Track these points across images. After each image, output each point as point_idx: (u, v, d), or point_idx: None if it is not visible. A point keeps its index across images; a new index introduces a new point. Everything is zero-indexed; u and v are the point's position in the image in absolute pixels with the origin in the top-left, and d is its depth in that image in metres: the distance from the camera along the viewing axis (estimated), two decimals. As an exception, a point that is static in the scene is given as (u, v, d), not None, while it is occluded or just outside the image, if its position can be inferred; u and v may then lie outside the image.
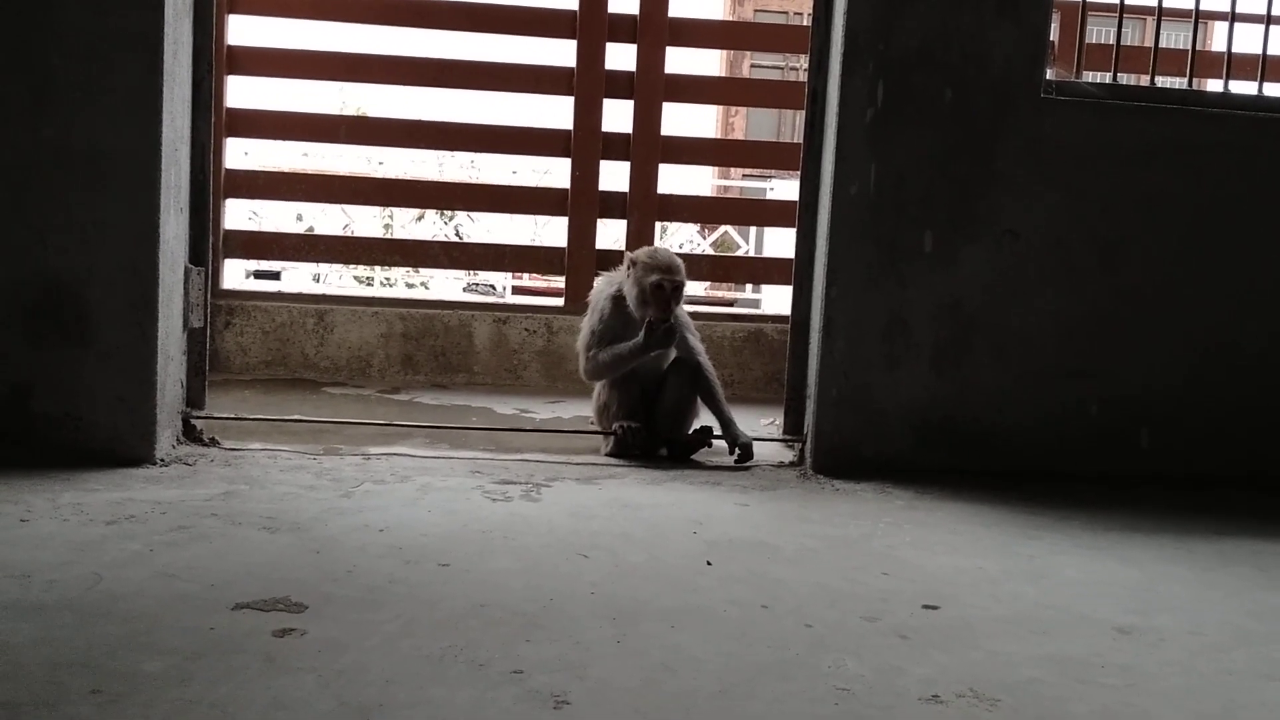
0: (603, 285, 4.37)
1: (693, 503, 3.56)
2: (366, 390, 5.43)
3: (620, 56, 5.97)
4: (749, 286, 14.61)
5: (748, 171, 19.28)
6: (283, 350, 5.73)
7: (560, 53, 6.04)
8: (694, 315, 4.60)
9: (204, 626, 2.29)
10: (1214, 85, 4.48)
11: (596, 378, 4.26)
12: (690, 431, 4.25)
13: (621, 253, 4.83)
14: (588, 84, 5.91)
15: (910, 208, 4.00)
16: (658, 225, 6.38)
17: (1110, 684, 2.26)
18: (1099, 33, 4.92)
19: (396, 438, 4.25)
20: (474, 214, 15.98)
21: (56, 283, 3.59)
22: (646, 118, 5.98)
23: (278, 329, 5.72)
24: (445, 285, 14.97)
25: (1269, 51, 4.29)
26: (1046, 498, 3.81)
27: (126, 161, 3.57)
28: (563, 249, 6.07)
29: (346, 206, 13.56)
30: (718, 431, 4.22)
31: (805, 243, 4.22)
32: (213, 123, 4.02)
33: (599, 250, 5.97)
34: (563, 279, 6.09)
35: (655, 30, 5.95)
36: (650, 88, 5.96)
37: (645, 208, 6.00)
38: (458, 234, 18.01)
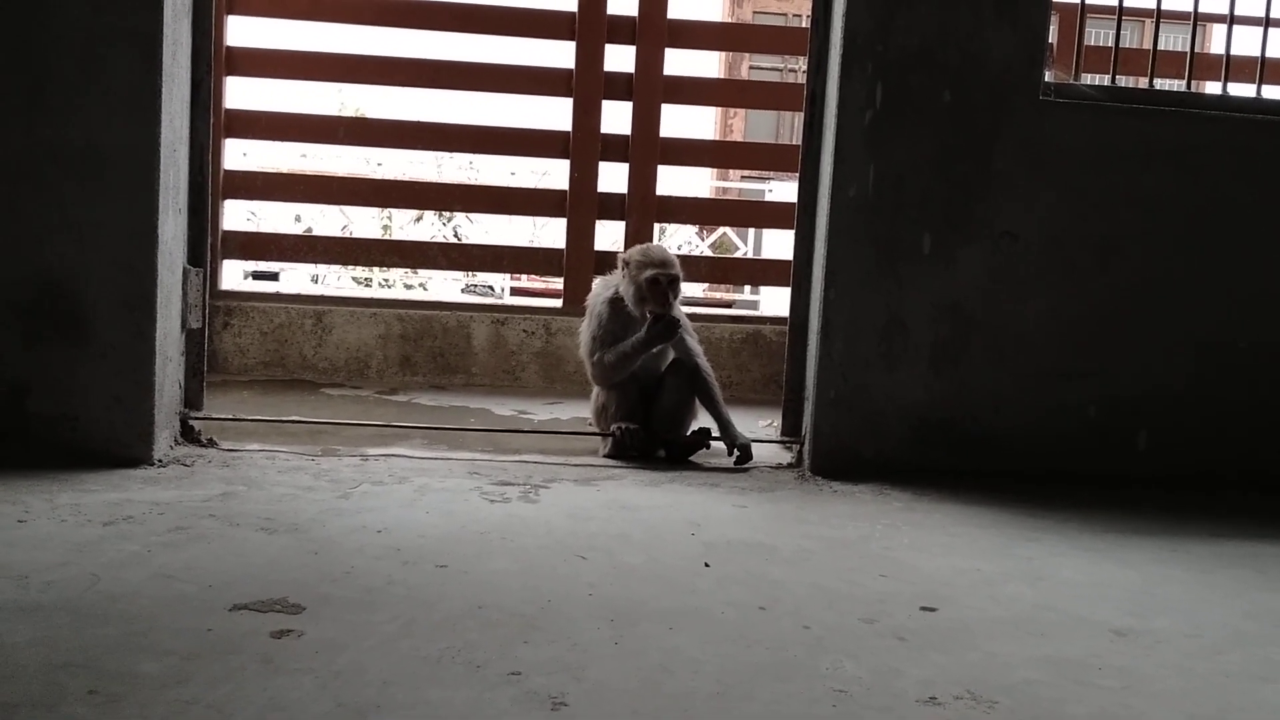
0: (600, 289, 4.37)
1: (691, 504, 3.56)
2: (364, 391, 5.43)
3: (619, 58, 5.97)
4: (747, 288, 14.64)
5: (746, 173, 19.30)
6: (281, 351, 5.73)
7: (559, 54, 6.05)
8: (692, 317, 4.61)
9: (201, 627, 2.28)
10: (1212, 87, 4.48)
11: (606, 381, 4.25)
12: (688, 433, 4.25)
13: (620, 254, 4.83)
14: (587, 85, 5.91)
15: (909, 209, 4.01)
16: (656, 227, 6.38)
17: (1107, 686, 2.26)
18: (1098, 35, 4.92)
19: (394, 439, 4.25)
20: (472, 215, 15.98)
21: (54, 282, 3.59)
22: (645, 119, 5.98)
23: (276, 330, 5.72)
24: (444, 286, 14.98)
25: (1267, 54, 4.29)
26: (1044, 499, 3.81)
27: (125, 161, 3.57)
28: (561, 250, 6.08)
29: (345, 207, 13.58)
30: (716, 433, 4.23)
31: (804, 244, 4.22)
32: (211, 123, 4.02)
33: (597, 251, 5.98)
34: (561, 280, 6.09)
35: (654, 32, 5.95)
36: (649, 89, 5.97)
37: (644, 209, 6.01)
38: (456, 235, 18.02)
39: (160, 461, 3.66)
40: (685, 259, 6.45)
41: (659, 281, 4.11)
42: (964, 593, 2.81)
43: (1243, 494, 4.06)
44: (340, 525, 3.07)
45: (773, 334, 5.86)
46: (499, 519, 3.24)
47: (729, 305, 12.67)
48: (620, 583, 2.72)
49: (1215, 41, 5.73)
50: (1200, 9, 4.25)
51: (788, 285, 4.36)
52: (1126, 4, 4.19)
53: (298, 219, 16.15)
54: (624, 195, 6.01)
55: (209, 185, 4.02)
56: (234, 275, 10.62)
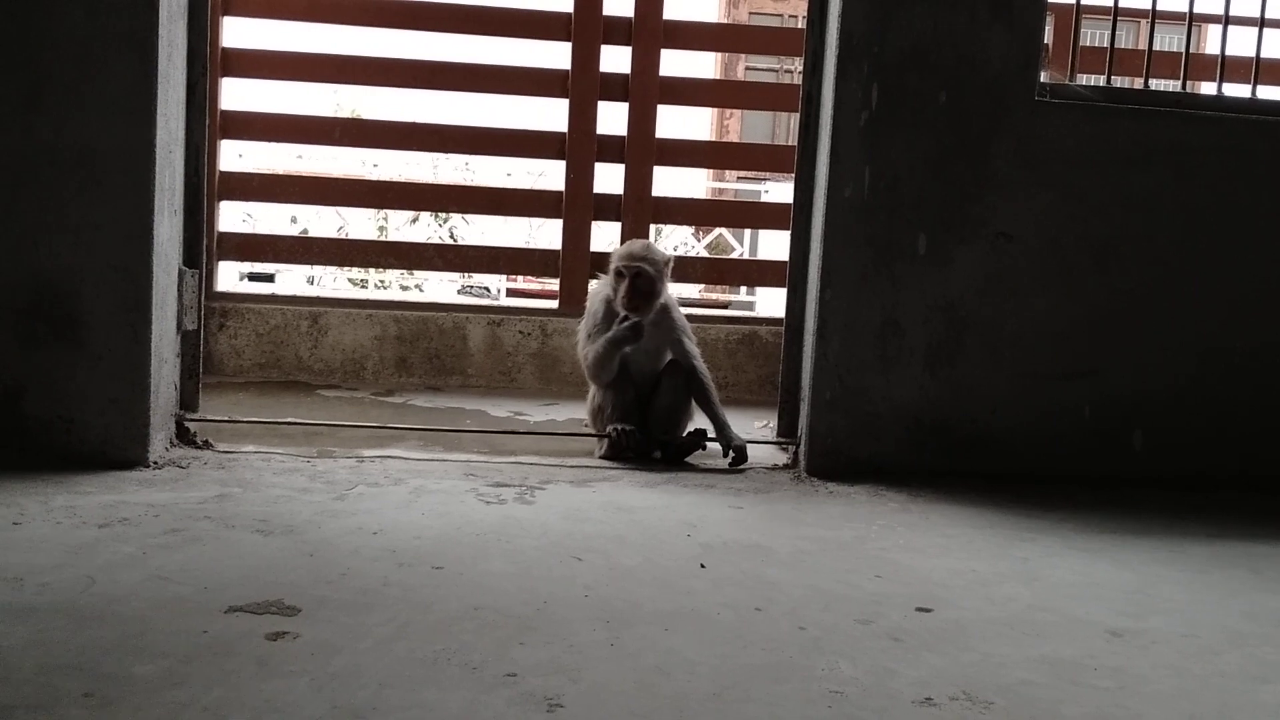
0: (597, 289, 4.38)
1: (687, 505, 3.56)
2: (360, 393, 5.42)
3: (615, 59, 5.97)
4: (743, 289, 14.63)
5: (742, 174, 19.29)
6: (277, 353, 5.72)
7: (555, 55, 6.04)
8: (689, 317, 4.60)
9: (197, 630, 2.28)
10: (1208, 88, 4.49)
11: (594, 378, 4.25)
12: (684, 434, 4.25)
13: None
14: (582, 86, 5.91)
15: (904, 210, 4.01)
16: (652, 227, 6.38)
17: (1103, 686, 2.27)
18: (1093, 35, 4.92)
19: (390, 440, 4.25)
20: (468, 216, 15.97)
21: (49, 284, 3.58)
22: (641, 120, 5.98)
23: (272, 331, 5.71)
24: (439, 288, 14.95)
25: (1262, 54, 4.29)
26: (1040, 500, 3.82)
27: (120, 163, 3.57)
28: (557, 251, 6.07)
29: (341, 209, 13.54)
30: (712, 434, 4.22)
31: (799, 245, 4.23)
32: (207, 125, 4.02)
33: (594, 253, 5.96)
34: (557, 281, 6.09)
35: (650, 33, 5.94)
36: (645, 90, 5.96)
37: (640, 210, 6.00)
38: (452, 236, 17.99)
39: (156, 463, 3.65)
40: (681, 260, 6.44)
41: (621, 274, 4.15)
42: (960, 593, 2.81)
43: (1239, 495, 4.07)
44: (336, 527, 3.06)
45: (769, 335, 5.86)
46: (495, 520, 3.24)
47: (725, 306, 12.66)
48: (616, 584, 2.72)
49: (1210, 42, 5.73)
50: (1195, 9, 4.25)
51: (784, 286, 4.36)
52: (1122, 4, 4.19)
53: (293, 220, 16.12)
54: (620, 196, 6.00)
55: (204, 187, 4.02)
56: (229, 277, 10.59)
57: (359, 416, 4.72)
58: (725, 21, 23.01)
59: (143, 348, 3.62)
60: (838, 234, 4.00)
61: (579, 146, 5.92)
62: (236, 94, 5.90)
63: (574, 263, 5.96)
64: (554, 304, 6.18)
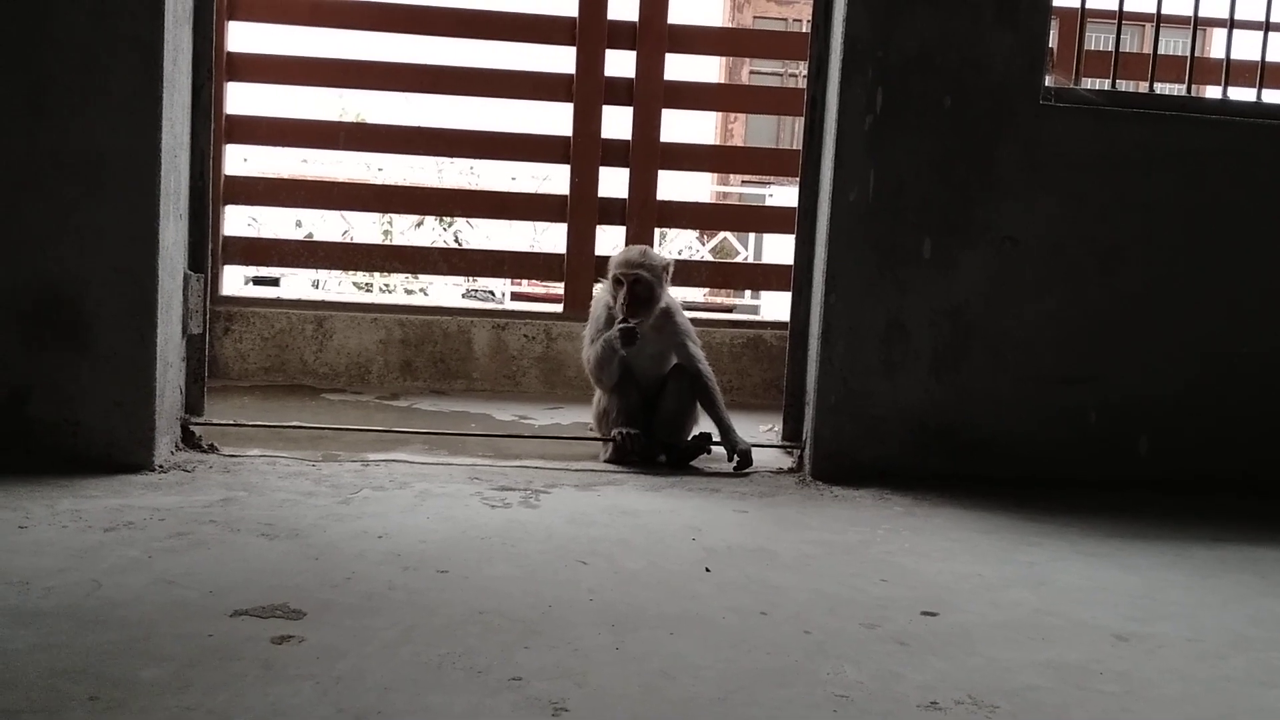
0: (600, 294, 4.39)
1: (691, 509, 3.56)
2: (365, 396, 5.43)
3: (619, 63, 5.97)
4: (748, 292, 14.60)
5: (747, 178, 19.27)
6: (281, 356, 5.72)
7: (560, 59, 6.04)
8: (693, 321, 4.60)
9: (202, 633, 2.28)
10: (1213, 92, 4.48)
11: (596, 381, 4.26)
12: (689, 438, 4.25)
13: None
14: (587, 90, 5.91)
15: (909, 214, 4.01)
16: (657, 231, 6.38)
17: (1109, 691, 2.26)
18: (1098, 39, 4.92)
19: (395, 444, 4.25)
20: (473, 220, 15.96)
21: (55, 288, 3.59)
22: (646, 124, 5.98)
23: (277, 335, 5.72)
24: (444, 291, 14.94)
25: (1267, 58, 4.29)
26: (1045, 504, 3.81)
27: (125, 167, 3.57)
28: (562, 255, 6.07)
29: (346, 213, 13.54)
30: (717, 438, 4.22)
31: (804, 249, 4.23)
32: (212, 129, 4.02)
33: (598, 257, 5.96)
34: (562, 285, 6.09)
35: (654, 37, 5.95)
36: (649, 94, 5.97)
37: (644, 214, 6.00)
38: (457, 240, 17.98)
39: (161, 467, 3.66)
40: (685, 264, 6.45)
41: (619, 280, 4.15)
42: (965, 598, 2.81)
43: (1243, 499, 4.06)
44: (341, 531, 3.07)
45: (773, 339, 5.85)
46: (500, 524, 3.24)
47: (730, 310, 12.63)
48: (621, 588, 2.72)
49: (1215, 46, 5.72)
50: (1200, 14, 4.25)
51: (788, 290, 4.36)
52: (1127, 8, 4.19)
53: (298, 224, 16.10)
54: (624, 200, 6.00)
55: (210, 190, 4.02)
56: (235, 281, 10.58)
57: (364, 420, 4.73)
58: (729, 26, 23.02)
59: (148, 351, 3.62)
60: (842, 238, 4.00)
61: (583, 150, 5.92)
62: (241, 98, 5.91)
63: (579, 266, 5.96)
64: (559, 308, 6.17)
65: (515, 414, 5.13)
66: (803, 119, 4.23)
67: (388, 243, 15.36)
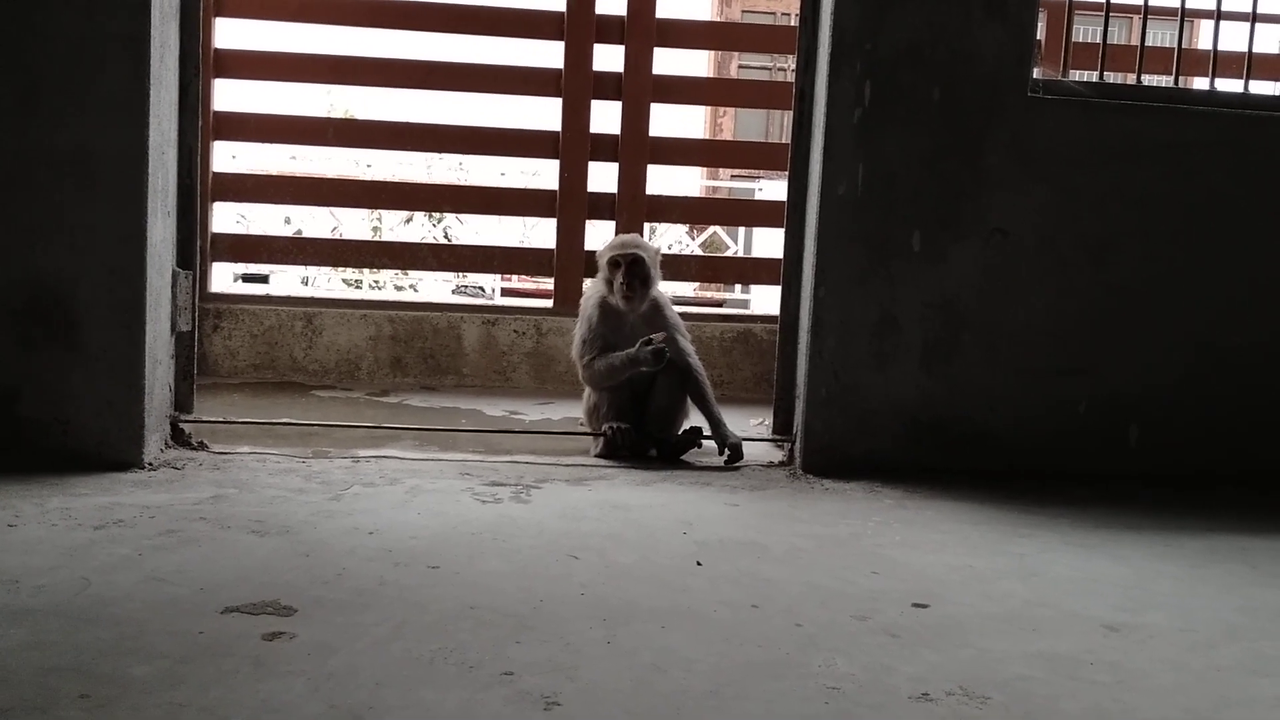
0: (591, 291, 4.38)
1: (682, 503, 3.56)
2: (355, 393, 5.42)
3: (608, 58, 5.97)
4: (738, 287, 14.62)
5: (736, 172, 19.30)
6: (271, 353, 5.72)
7: (548, 54, 6.04)
8: (683, 315, 4.60)
9: (193, 630, 2.28)
10: (1200, 83, 4.49)
11: (595, 386, 4.25)
12: (680, 432, 4.25)
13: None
14: (576, 85, 5.91)
15: (899, 207, 4.01)
16: (646, 226, 6.37)
17: (1100, 681, 2.27)
18: (1086, 31, 4.93)
19: (386, 440, 4.24)
20: (462, 216, 15.96)
21: (43, 286, 3.58)
22: (634, 119, 5.98)
23: (266, 332, 5.71)
24: (434, 287, 14.95)
25: (1255, 49, 4.30)
26: (1036, 496, 3.82)
27: (113, 165, 3.56)
28: (551, 250, 6.07)
29: (335, 209, 13.53)
30: (707, 432, 4.23)
31: (794, 242, 4.23)
32: (200, 126, 4.01)
33: (588, 251, 5.95)
34: (552, 280, 6.09)
35: (643, 31, 5.94)
36: (638, 89, 5.96)
37: (634, 209, 6.00)
38: (446, 236, 17.99)
39: (151, 465, 3.65)
40: (675, 258, 6.45)
41: (617, 263, 4.16)
42: (956, 589, 2.81)
43: (1234, 490, 4.07)
44: (332, 527, 3.06)
45: (764, 332, 5.86)
46: (491, 520, 3.23)
47: (720, 304, 12.66)
48: (613, 582, 2.72)
49: (1203, 37, 5.73)
50: (1187, 5, 4.25)
51: (778, 284, 4.36)
52: (1114, 0, 4.19)
53: (287, 221, 16.11)
54: (614, 195, 6.00)
55: (198, 188, 4.01)
56: (224, 278, 10.56)
57: (354, 416, 4.72)
58: (718, 19, 23.02)
59: (137, 349, 3.61)
60: (832, 231, 4.01)
61: (573, 145, 5.92)
62: (229, 95, 5.89)
63: (568, 262, 5.96)
64: (549, 303, 6.17)
65: (506, 409, 5.13)
66: (792, 112, 4.23)
67: (377, 239, 15.37)
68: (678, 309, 4.56)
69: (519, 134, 6.18)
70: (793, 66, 4.31)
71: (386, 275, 15.44)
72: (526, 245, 11.28)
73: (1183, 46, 4.27)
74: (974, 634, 2.49)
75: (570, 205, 5.95)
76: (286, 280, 14.05)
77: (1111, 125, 4.08)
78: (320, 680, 2.07)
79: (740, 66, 25.31)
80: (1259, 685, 2.31)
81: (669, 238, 16.04)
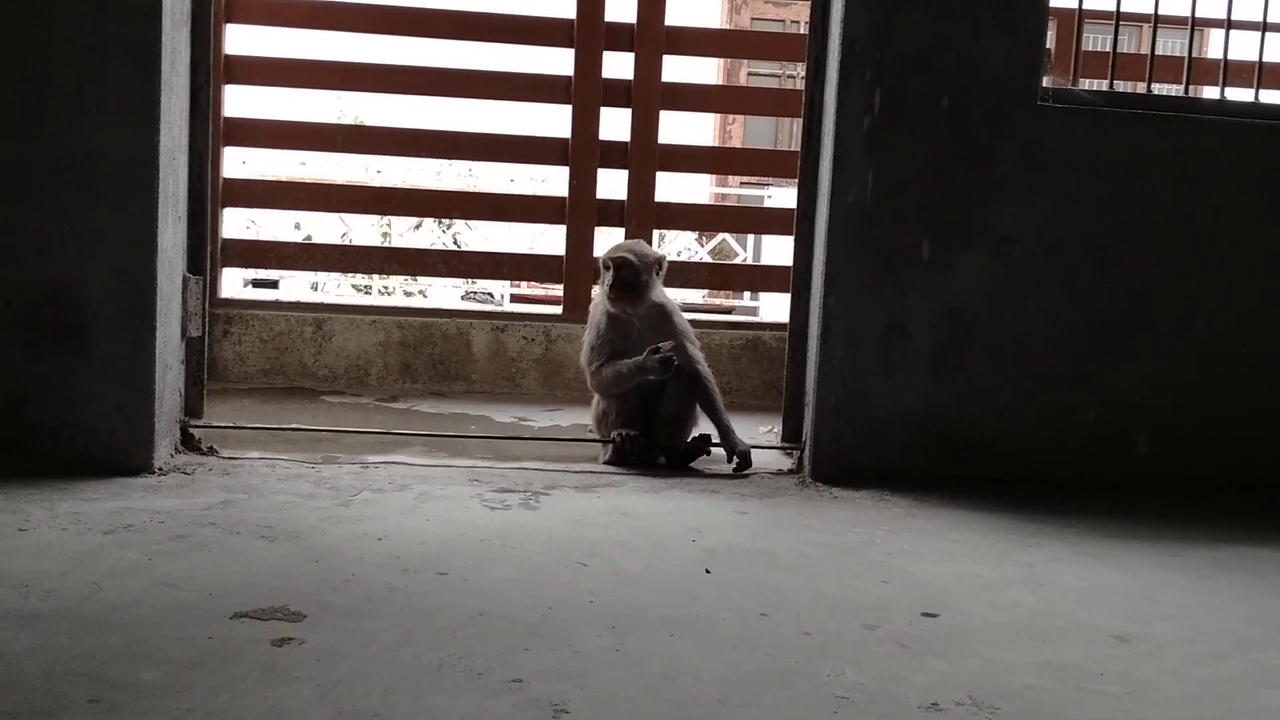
0: (599, 298, 4.38)
1: (691, 511, 3.56)
2: (364, 399, 5.43)
3: (618, 65, 5.98)
4: (747, 294, 14.61)
5: (745, 179, 19.29)
6: (281, 359, 5.73)
7: (558, 61, 6.05)
8: (692, 322, 4.60)
9: (202, 636, 2.28)
10: (1210, 92, 4.48)
11: (604, 393, 4.25)
12: (689, 439, 4.25)
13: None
14: (585, 92, 5.92)
15: (908, 215, 4.01)
16: (655, 233, 6.39)
17: (1109, 691, 2.26)
18: (1095, 40, 4.92)
19: (395, 446, 4.25)
20: (472, 222, 15.98)
21: (54, 291, 3.59)
22: (644, 126, 5.99)
23: (276, 338, 5.72)
24: (443, 293, 14.96)
25: (1265, 59, 4.29)
26: (1044, 504, 3.81)
27: (124, 170, 3.57)
28: (561, 257, 6.08)
29: (344, 215, 13.56)
30: (716, 439, 4.22)
31: (803, 250, 4.23)
32: (210, 132, 4.03)
33: (597, 258, 5.97)
34: (561, 287, 6.10)
35: (652, 39, 5.96)
36: (648, 96, 5.97)
37: (643, 216, 6.01)
38: (456, 242, 18.01)
39: (160, 470, 3.66)
40: (684, 265, 6.44)
41: (606, 265, 4.20)
42: (965, 599, 2.81)
43: (1241, 498, 4.06)
44: (341, 533, 3.07)
45: (773, 340, 5.86)
46: (499, 526, 3.24)
47: (729, 311, 12.67)
48: (621, 590, 2.72)
49: (1213, 46, 5.73)
50: (1197, 14, 4.25)
51: (787, 291, 4.36)
52: (1124, 9, 4.19)
53: (297, 227, 16.13)
54: (623, 202, 6.01)
55: (208, 193, 4.02)
56: (234, 283, 10.59)
57: (363, 422, 4.73)
58: (727, 27, 23.04)
59: (147, 354, 3.62)
60: (841, 239, 4.01)
61: (582, 152, 5.93)
62: (239, 101, 5.92)
63: (577, 268, 5.97)
64: (558, 309, 6.19)
65: (514, 416, 5.13)
66: (801, 120, 4.23)
67: (386, 245, 15.37)
68: (687, 315, 4.56)
69: (529, 141, 6.18)
70: (802, 74, 4.31)
71: (396, 281, 15.45)
72: (536, 252, 11.30)
73: (1193, 55, 4.27)
74: (982, 643, 2.49)
75: (579, 212, 5.95)
76: (296, 286, 14.07)
77: (1121, 134, 4.08)
78: (329, 686, 2.07)
79: (750, 74, 25.32)
80: (1267, 697, 2.30)
81: (678, 245, 16.04)
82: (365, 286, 15.81)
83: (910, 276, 4.02)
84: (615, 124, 6.01)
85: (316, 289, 14.91)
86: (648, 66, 5.97)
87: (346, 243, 13.65)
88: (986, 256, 4.04)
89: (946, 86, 3.98)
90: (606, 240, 6.29)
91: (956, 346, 4.06)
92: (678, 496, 3.75)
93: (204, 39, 3.92)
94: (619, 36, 5.96)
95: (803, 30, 4.46)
